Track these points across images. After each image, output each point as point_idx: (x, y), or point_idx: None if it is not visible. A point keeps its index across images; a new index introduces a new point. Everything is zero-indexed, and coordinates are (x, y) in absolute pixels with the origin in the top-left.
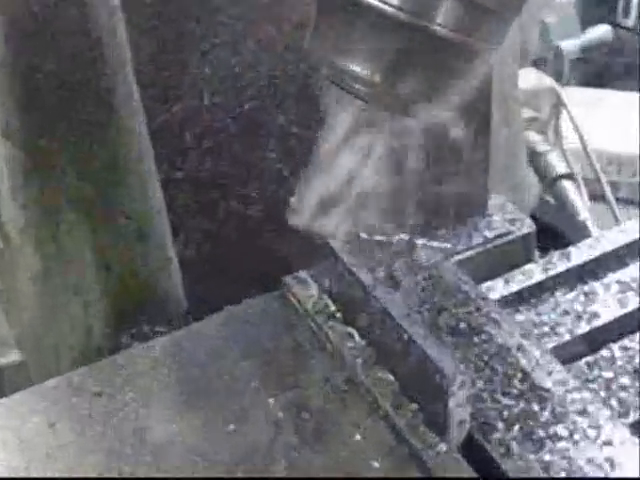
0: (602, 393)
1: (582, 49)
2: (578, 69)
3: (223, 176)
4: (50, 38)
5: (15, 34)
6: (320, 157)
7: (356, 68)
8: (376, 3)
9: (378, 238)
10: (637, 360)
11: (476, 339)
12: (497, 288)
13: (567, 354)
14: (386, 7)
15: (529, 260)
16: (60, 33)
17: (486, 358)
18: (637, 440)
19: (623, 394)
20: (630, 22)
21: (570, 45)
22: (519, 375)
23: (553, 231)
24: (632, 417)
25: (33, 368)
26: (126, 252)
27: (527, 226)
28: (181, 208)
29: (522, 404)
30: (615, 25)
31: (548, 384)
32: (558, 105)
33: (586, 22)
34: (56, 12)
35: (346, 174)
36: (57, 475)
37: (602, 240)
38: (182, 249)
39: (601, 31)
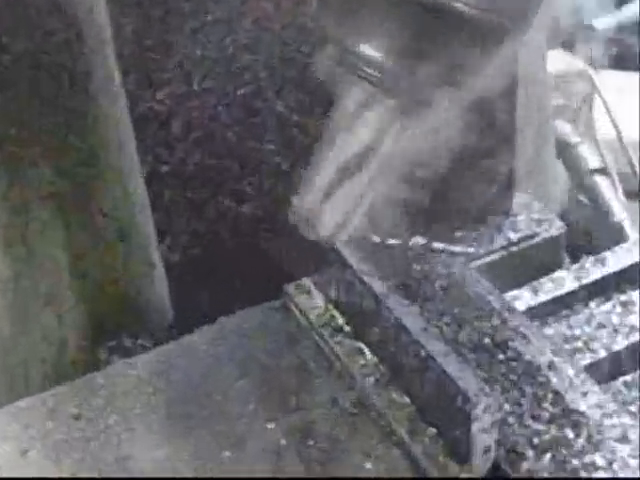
0: None
1: (617, 28)
2: (612, 50)
3: (214, 170)
4: (21, 15)
5: None
6: (325, 142)
7: (368, 49)
8: None
9: (391, 242)
10: None
11: (502, 356)
12: (523, 298)
13: (603, 372)
14: None
15: (558, 266)
16: (32, 9)
17: (513, 377)
18: None
19: None
20: None
21: (603, 24)
22: (550, 397)
23: (585, 233)
24: None
25: None
26: (105, 255)
27: (556, 227)
28: (167, 206)
29: (554, 429)
30: None
31: (583, 407)
32: (590, 91)
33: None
34: None
35: (355, 160)
36: None
37: None
38: (168, 252)
39: (637, 8)
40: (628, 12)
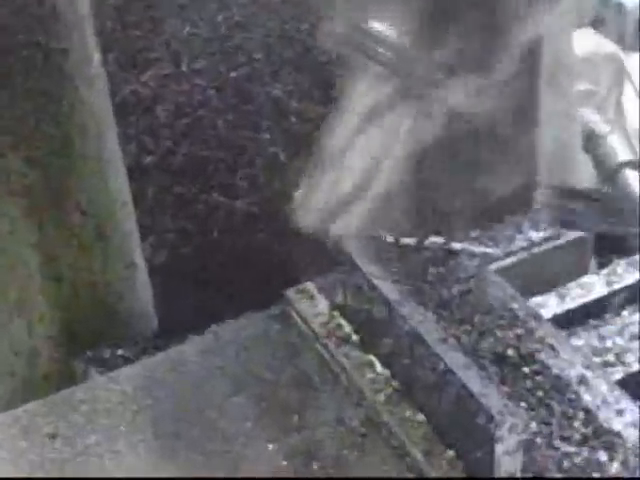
0: None
1: None
2: None
3: (204, 162)
4: None
5: None
6: (334, 141)
7: (381, 27)
8: None
9: (406, 241)
10: None
11: (527, 369)
12: (549, 305)
13: (637, 388)
14: None
15: (585, 269)
16: None
17: (540, 393)
18: None
19: None
20: None
21: (634, 1)
22: (581, 415)
23: (613, 233)
24: None
25: None
26: (81, 257)
27: None
28: (151, 202)
29: (586, 452)
30: None
31: (618, 426)
32: (620, 75)
33: None
34: None
35: (369, 161)
36: None
37: None
38: (152, 252)
39: None
40: None
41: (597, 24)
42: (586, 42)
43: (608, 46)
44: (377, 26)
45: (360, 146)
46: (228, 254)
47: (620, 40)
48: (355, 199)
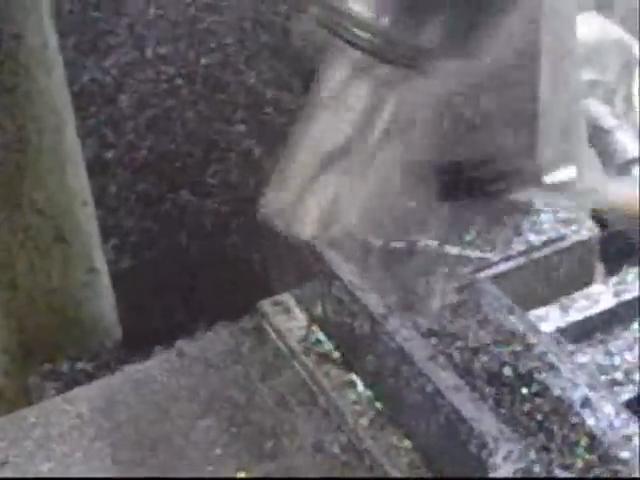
0: None
1: None
2: None
3: (172, 157)
4: None
5: None
6: (308, 132)
7: (357, 7)
8: None
9: (394, 245)
10: None
11: (526, 390)
12: (552, 318)
13: None
14: None
15: (590, 276)
16: None
17: (540, 417)
18: None
19: None
20: None
21: None
22: (585, 441)
23: (622, 236)
24: None
25: None
26: (38, 261)
27: (587, 228)
28: (114, 201)
29: None
30: None
31: (625, 454)
32: (629, 64)
33: None
34: None
35: (342, 144)
36: None
37: None
38: (115, 257)
39: None
40: None
41: (605, 8)
42: (592, 27)
43: (616, 32)
44: (355, 7)
45: (336, 137)
46: (198, 259)
47: (629, 24)
48: (331, 195)
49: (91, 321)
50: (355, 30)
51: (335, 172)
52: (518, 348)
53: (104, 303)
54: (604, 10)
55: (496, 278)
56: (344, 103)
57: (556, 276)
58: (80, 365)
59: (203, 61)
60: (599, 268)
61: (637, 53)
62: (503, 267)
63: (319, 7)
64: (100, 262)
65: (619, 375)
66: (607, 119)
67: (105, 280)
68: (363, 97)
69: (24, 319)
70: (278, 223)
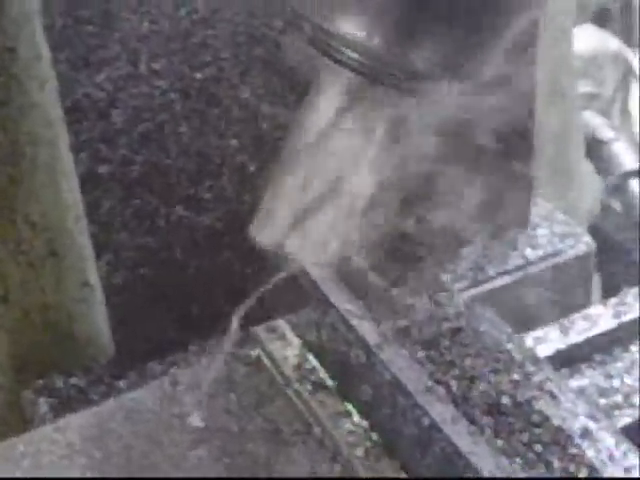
0: None
1: None
2: None
3: (165, 172)
4: None
5: None
6: (297, 147)
7: (349, 29)
8: None
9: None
10: None
11: (524, 421)
12: (551, 339)
13: None
14: None
15: (588, 291)
16: None
17: (539, 448)
18: None
19: None
20: None
21: None
22: (585, 472)
23: (620, 249)
24: None
25: None
26: (31, 275)
27: (584, 243)
28: (107, 216)
29: None
30: None
31: None
32: (627, 76)
33: None
34: None
35: (336, 169)
36: None
37: None
38: (109, 272)
39: None
40: None
41: (602, 20)
42: (589, 39)
43: (614, 44)
44: (346, 28)
45: (327, 155)
46: (192, 275)
47: (626, 37)
48: (320, 214)
49: (85, 336)
50: (346, 51)
51: (328, 195)
52: (517, 377)
53: (98, 318)
54: (603, 23)
55: (493, 292)
56: (333, 121)
57: (552, 291)
58: (73, 380)
59: (197, 75)
60: (597, 288)
61: (635, 65)
62: (500, 281)
63: (310, 26)
64: (94, 277)
65: (619, 398)
66: (604, 131)
67: (99, 295)
68: (352, 116)
69: (17, 334)
70: (266, 244)
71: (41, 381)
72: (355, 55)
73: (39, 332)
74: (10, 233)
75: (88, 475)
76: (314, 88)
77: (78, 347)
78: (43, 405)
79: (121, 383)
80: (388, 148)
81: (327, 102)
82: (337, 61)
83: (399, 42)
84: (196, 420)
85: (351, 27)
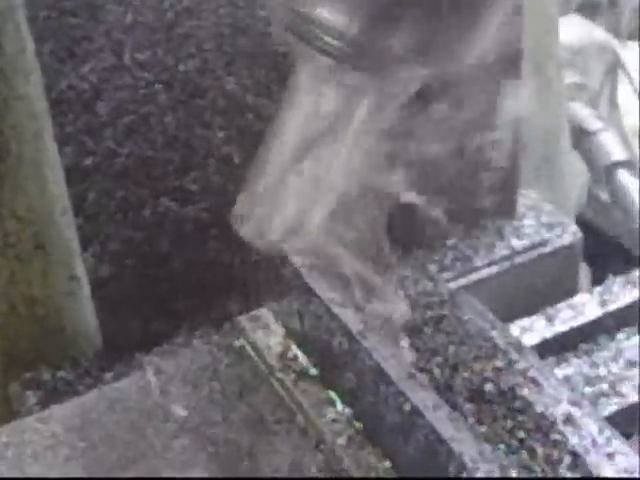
0: None
1: None
2: None
3: (151, 163)
4: None
5: None
6: (278, 139)
7: (327, 15)
8: None
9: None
10: None
11: (507, 407)
12: (537, 328)
13: (634, 422)
14: None
15: (574, 281)
16: None
17: (522, 435)
18: None
19: None
20: None
21: None
22: (568, 459)
23: (608, 239)
24: None
25: None
26: (19, 268)
27: (571, 233)
28: (92, 208)
29: None
30: None
31: (609, 473)
32: (614, 67)
33: None
34: None
35: (308, 147)
36: None
37: None
38: (95, 265)
39: None
40: None
41: (589, 11)
42: (576, 30)
43: (601, 35)
44: (324, 15)
45: (306, 145)
46: (178, 266)
47: (614, 28)
48: (294, 206)
49: (72, 329)
50: (325, 37)
51: (304, 178)
52: (500, 364)
53: (85, 311)
54: (590, 13)
55: (480, 282)
56: (314, 109)
57: (539, 280)
58: (61, 373)
59: (182, 67)
60: (585, 277)
61: (621, 57)
62: (487, 271)
63: (289, 14)
64: (80, 270)
65: (605, 386)
66: (591, 122)
67: (86, 288)
68: (332, 103)
69: (5, 327)
70: (246, 233)
71: (28, 374)
72: (334, 41)
73: (27, 325)
74: None
75: (71, 465)
76: (293, 74)
77: (65, 340)
78: (31, 398)
79: (107, 375)
80: (367, 131)
81: (306, 87)
82: (317, 48)
83: (375, 28)
84: (179, 409)
85: (330, 14)
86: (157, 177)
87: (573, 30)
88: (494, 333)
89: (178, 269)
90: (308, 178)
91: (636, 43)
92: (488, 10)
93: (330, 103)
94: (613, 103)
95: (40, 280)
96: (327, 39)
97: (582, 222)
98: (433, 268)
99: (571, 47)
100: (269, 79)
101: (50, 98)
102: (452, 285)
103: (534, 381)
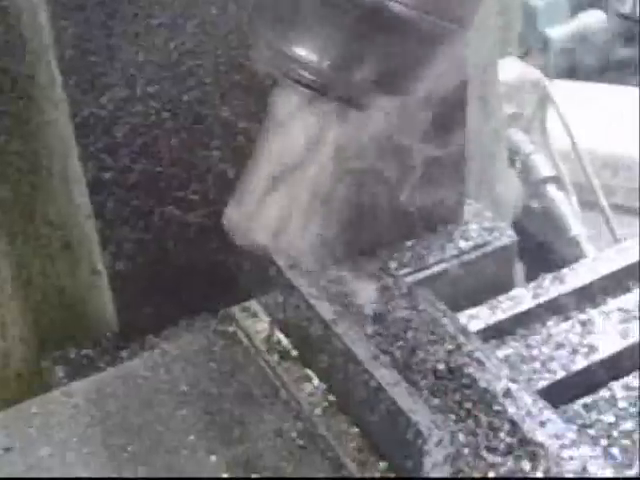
0: (602, 441)
1: (571, 37)
2: (567, 60)
3: (159, 177)
4: None
5: None
6: (259, 147)
7: (302, 52)
8: None
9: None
10: None
11: (456, 383)
12: (481, 316)
13: (561, 394)
14: None
15: (510, 276)
16: None
17: (468, 406)
18: None
19: (626, 441)
20: (627, 7)
21: (558, 32)
22: (507, 426)
23: (539, 242)
24: (637, 468)
25: None
26: (49, 264)
27: (507, 236)
28: (111, 214)
29: (511, 462)
30: (608, 11)
31: (541, 437)
32: (544, 100)
33: (576, 7)
34: None
35: (290, 165)
36: None
37: (600, 261)
38: (112, 261)
39: (593, 17)
40: (582, 21)
41: (523, 53)
42: (513, 69)
43: (533, 73)
44: (300, 51)
45: (284, 159)
46: (182, 262)
47: (544, 67)
48: (281, 208)
49: (94, 315)
50: (300, 71)
51: (285, 189)
52: (450, 347)
53: (104, 299)
54: (523, 56)
55: (434, 277)
56: (292, 131)
57: (483, 275)
58: (84, 352)
59: (184, 98)
60: (520, 273)
61: (550, 91)
62: (439, 267)
63: (270, 52)
64: (101, 265)
65: (537, 365)
66: (525, 145)
67: (105, 280)
68: (308, 127)
69: (39, 314)
70: (235, 235)
71: (57, 352)
72: (309, 75)
73: (57, 312)
74: (31, 230)
75: (90, 431)
76: (273, 100)
77: (89, 324)
78: (59, 372)
79: (123, 353)
80: (338, 151)
81: (285, 113)
82: (294, 80)
83: (343, 64)
84: (181, 385)
85: (304, 52)
86: (164, 189)
87: (511, 69)
88: (445, 321)
89: (182, 265)
90: (289, 190)
91: (562, 81)
92: (437, 52)
93: (306, 128)
94: (543, 129)
95: (67, 274)
96: (303, 73)
97: (517, 228)
98: (393, 265)
99: (509, 83)
100: (258, 108)
101: (75, 123)
102: (409, 279)
103: (479, 361)
